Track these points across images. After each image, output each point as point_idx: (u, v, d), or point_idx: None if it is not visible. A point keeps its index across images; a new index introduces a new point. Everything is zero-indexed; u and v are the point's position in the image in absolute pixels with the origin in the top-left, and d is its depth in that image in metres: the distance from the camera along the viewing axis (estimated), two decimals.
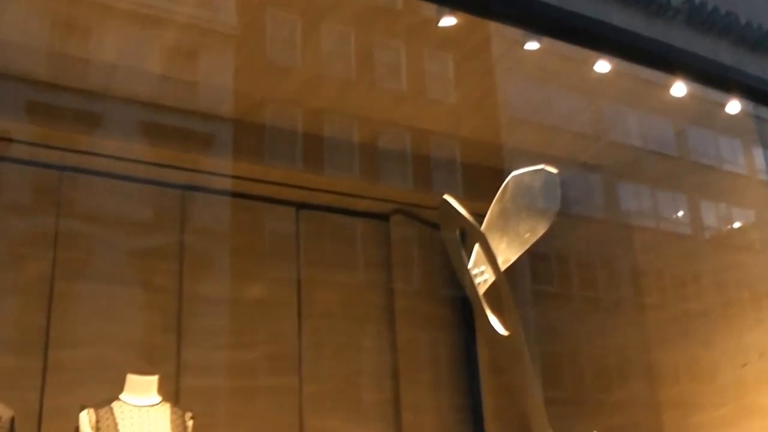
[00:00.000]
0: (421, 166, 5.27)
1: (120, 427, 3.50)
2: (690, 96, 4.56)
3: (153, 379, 3.70)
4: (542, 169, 3.26)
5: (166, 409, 3.68)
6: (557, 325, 5.61)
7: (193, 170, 4.90)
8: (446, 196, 3.26)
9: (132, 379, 3.69)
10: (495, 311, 3.13)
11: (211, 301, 4.94)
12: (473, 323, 5.14)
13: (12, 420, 3.04)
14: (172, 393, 4.18)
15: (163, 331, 4.73)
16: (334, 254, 5.45)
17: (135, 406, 3.63)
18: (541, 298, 5.65)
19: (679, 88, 4.51)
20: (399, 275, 5.54)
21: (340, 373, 5.24)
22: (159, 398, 3.71)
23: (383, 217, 5.65)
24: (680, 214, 5.68)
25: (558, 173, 3.26)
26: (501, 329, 3.08)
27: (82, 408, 3.56)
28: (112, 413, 3.56)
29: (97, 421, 3.51)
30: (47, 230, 4.49)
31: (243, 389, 4.85)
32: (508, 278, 3.14)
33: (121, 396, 3.68)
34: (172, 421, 3.62)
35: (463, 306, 5.49)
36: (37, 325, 4.41)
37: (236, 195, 4.89)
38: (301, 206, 5.38)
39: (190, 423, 3.71)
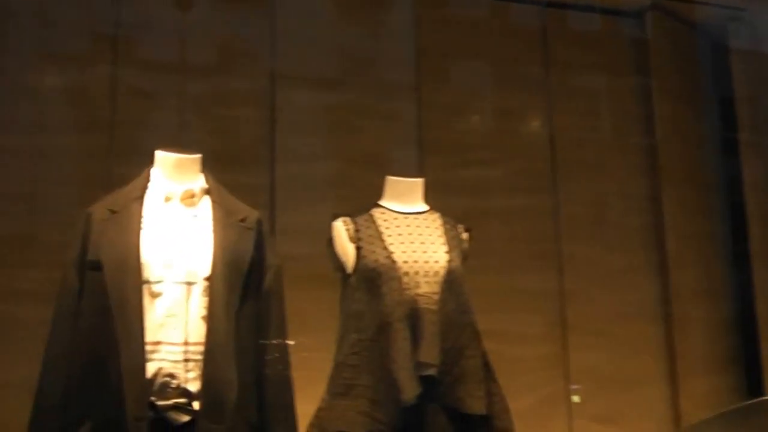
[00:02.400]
0: None
1: (385, 235, 2.57)
2: None
3: (418, 182, 2.79)
4: None
5: (436, 218, 2.76)
6: None
7: None
8: None
9: (393, 182, 2.76)
10: None
11: (451, 110, 3.94)
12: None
13: (259, 221, 2.36)
14: None
15: (403, 144, 3.77)
16: (581, 56, 4.29)
17: (400, 213, 2.68)
18: None
19: None
20: (657, 80, 4.32)
21: (595, 194, 4.15)
22: (426, 206, 2.74)
23: (637, 15, 4.39)
24: None
25: None
26: None
27: (335, 217, 2.64)
28: (373, 221, 2.65)
29: (357, 231, 2.60)
30: None
31: (494, 209, 3.87)
32: None
33: (380, 202, 2.73)
34: (446, 232, 2.69)
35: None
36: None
37: None
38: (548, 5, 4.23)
39: (465, 236, 2.74)
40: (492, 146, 4.06)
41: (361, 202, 2.81)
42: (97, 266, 2.16)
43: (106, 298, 2.11)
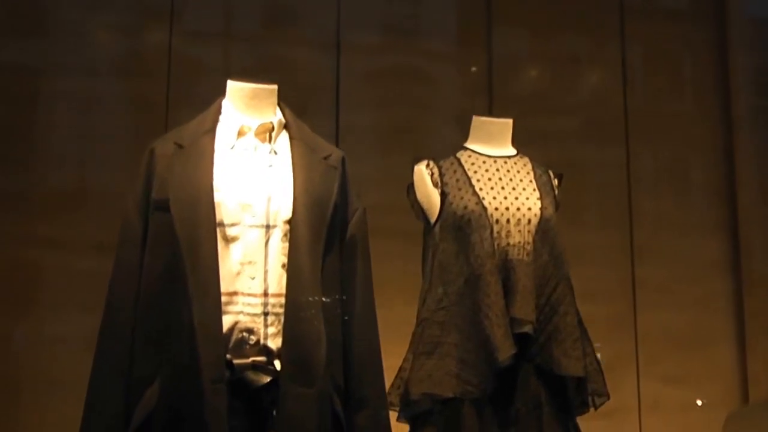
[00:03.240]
0: None
1: (473, 180, 2.23)
2: None
3: (508, 123, 2.46)
4: None
5: (526, 162, 2.42)
6: None
7: None
8: None
9: (481, 122, 2.44)
10: None
11: (522, 58, 3.59)
12: None
13: (343, 160, 2.05)
14: None
15: (472, 93, 3.42)
16: (657, 4, 3.92)
17: (488, 156, 2.33)
18: None
19: None
20: (733, 29, 3.93)
21: (668, 147, 3.79)
22: (514, 150, 2.39)
23: None
24: None
25: None
26: None
27: (417, 161, 2.30)
28: (460, 164, 2.30)
29: (441, 175, 2.26)
30: None
31: (564, 160, 3.52)
32: None
33: (466, 144, 2.38)
34: (537, 177, 2.36)
35: None
36: None
37: None
38: None
39: (555, 181, 2.38)
40: (563, 96, 3.71)
41: (433, 152, 2.48)
42: (164, 206, 1.84)
43: (175, 242, 1.80)
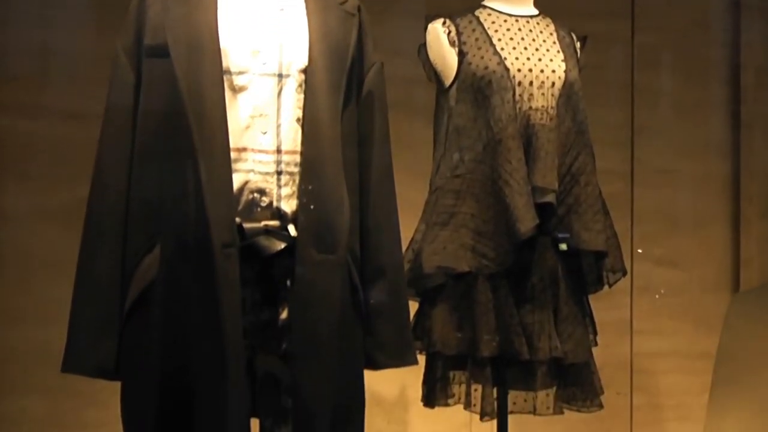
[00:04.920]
0: None
1: (494, 39, 2.01)
2: None
3: None
4: None
5: (548, 22, 2.21)
6: None
7: None
8: None
9: None
10: None
11: None
12: None
13: (360, 8, 1.79)
14: None
15: None
16: None
17: (509, 15, 2.11)
18: None
19: None
20: None
21: (673, 22, 3.59)
22: (536, 10, 2.17)
23: None
24: None
25: None
26: None
27: (430, 19, 2.08)
28: (479, 23, 2.08)
29: (459, 34, 2.04)
30: None
31: None
32: None
33: (485, 2, 2.16)
34: (560, 39, 2.14)
35: None
36: None
37: None
38: None
39: (578, 44, 2.18)
40: None
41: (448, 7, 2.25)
42: (161, 51, 1.60)
43: (176, 91, 1.56)
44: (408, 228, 2.14)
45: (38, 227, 2.64)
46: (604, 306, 2.93)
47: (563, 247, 2.11)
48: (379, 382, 2.97)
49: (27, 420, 2.62)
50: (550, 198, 2.03)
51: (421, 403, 2.20)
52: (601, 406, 2.20)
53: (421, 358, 2.16)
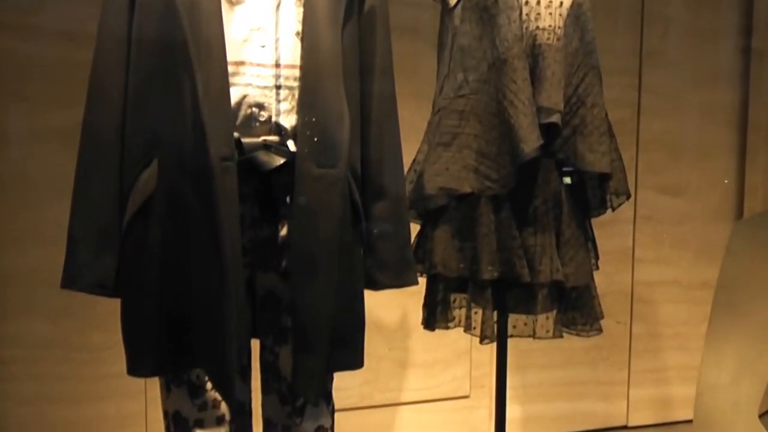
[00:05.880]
0: None
1: None
2: None
3: None
4: None
5: None
6: None
7: None
8: None
9: None
10: None
11: None
12: None
13: None
14: None
15: None
16: None
17: None
18: None
19: None
20: None
21: None
22: None
23: None
24: None
25: None
26: None
27: None
28: None
29: None
30: None
31: None
32: None
33: None
34: None
35: None
36: None
37: None
38: None
39: None
40: None
41: None
42: None
43: (172, 4, 1.51)
44: (411, 154, 2.12)
45: (36, 148, 2.61)
46: (606, 234, 2.93)
47: (567, 180, 2.09)
48: (380, 308, 2.99)
49: (32, 342, 2.64)
50: (555, 119, 1.99)
51: (421, 326, 2.19)
52: (600, 330, 2.20)
53: (422, 283, 2.16)
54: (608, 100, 3.28)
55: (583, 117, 2.05)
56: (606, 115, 2.12)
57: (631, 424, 3.48)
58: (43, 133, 2.60)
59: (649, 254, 3.48)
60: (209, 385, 1.64)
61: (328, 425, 1.79)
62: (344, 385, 2.94)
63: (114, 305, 1.65)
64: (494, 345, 2.25)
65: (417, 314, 2.23)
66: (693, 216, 3.56)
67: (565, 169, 2.10)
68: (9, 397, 2.63)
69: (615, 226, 3.36)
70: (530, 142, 1.93)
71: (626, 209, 3.40)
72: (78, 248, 1.61)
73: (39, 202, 2.59)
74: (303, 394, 1.68)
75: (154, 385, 1.81)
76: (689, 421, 2.77)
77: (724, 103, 3.62)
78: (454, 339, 3.13)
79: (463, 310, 2.16)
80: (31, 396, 2.65)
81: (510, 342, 2.25)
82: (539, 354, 3.25)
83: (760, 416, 2.53)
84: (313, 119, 1.56)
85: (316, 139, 1.56)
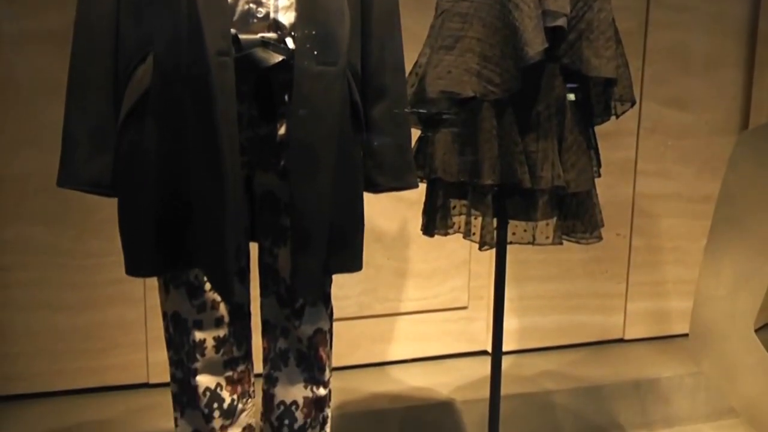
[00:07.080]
0: None
1: None
2: None
3: None
4: None
5: None
6: None
7: None
8: None
9: None
10: None
11: None
12: None
13: None
14: None
15: None
16: None
17: None
18: None
19: None
20: None
21: None
22: None
23: None
24: None
25: None
26: None
27: None
28: None
29: None
30: None
31: None
32: None
33: None
34: None
35: None
36: None
37: None
38: None
39: None
40: None
41: None
42: None
43: None
44: (412, 60, 2.07)
45: (29, 50, 2.56)
46: (609, 145, 2.90)
47: (571, 97, 2.06)
48: (379, 217, 3.00)
49: (31, 248, 2.65)
50: (561, 22, 1.94)
51: (421, 232, 2.19)
52: (600, 238, 2.19)
53: (423, 190, 2.15)
54: (616, 9, 3.20)
55: (589, 21, 2.00)
56: (613, 20, 2.07)
57: (627, 337, 3.53)
58: (35, 35, 2.55)
59: (651, 167, 3.46)
60: (208, 286, 1.65)
61: (326, 328, 1.80)
62: (343, 294, 2.97)
63: (112, 212, 1.65)
64: (493, 256, 2.25)
65: (416, 224, 2.22)
66: (697, 129, 3.53)
67: (569, 85, 2.06)
68: (11, 303, 2.66)
69: (618, 138, 3.34)
70: (535, 45, 1.89)
71: (630, 121, 3.38)
72: (73, 146, 1.60)
73: (33, 107, 2.56)
74: (301, 295, 1.69)
75: (153, 292, 1.81)
76: (686, 335, 2.80)
77: (734, 15, 3.54)
78: (453, 249, 3.15)
79: (463, 217, 2.16)
80: (33, 303, 2.67)
81: (509, 253, 2.25)
82: (537, 266, 3.27)
83: (756, 330, 2.56)
84: (312, 15, 1.52)
85: (314, 36, 1.52)
